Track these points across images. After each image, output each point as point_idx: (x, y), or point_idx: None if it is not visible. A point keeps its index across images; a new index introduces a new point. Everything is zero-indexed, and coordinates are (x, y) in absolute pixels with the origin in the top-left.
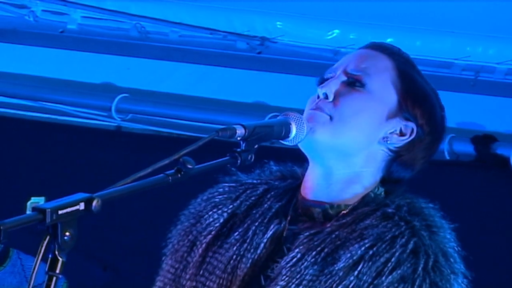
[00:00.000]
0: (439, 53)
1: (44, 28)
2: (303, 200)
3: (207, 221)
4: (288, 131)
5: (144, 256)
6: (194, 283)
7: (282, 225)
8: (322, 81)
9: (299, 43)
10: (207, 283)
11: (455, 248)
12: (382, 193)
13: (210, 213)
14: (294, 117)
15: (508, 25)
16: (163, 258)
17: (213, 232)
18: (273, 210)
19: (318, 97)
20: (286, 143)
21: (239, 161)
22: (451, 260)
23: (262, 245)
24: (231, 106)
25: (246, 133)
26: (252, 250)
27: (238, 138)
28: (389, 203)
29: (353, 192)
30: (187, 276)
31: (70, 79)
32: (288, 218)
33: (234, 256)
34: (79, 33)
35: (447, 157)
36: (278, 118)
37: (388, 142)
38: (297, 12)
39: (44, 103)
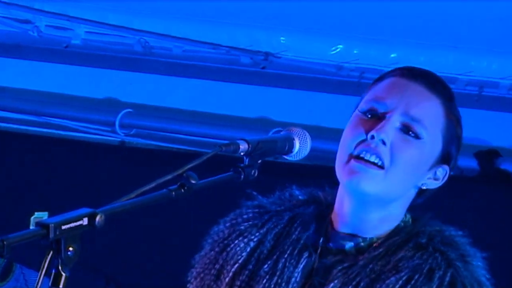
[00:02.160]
0: (442, 68)
1: (48, 43)
2: (334, 232)
3: (234, 250)
4: (292, 146)
5: (146, 270)
6: None
7: (312, 258)
8: (371, 114)
9: (303, 58)
10: None
11: (486, 276)
12: (410, 219)
13: (236, 241)
14: (298, 132)
15: (511, 40)
16: (188, 285)
17: (240, 261)
18: (302, 241)
19: (373, 137)
20: (290, 158)
21: (242, 176)
22: None
23: (293, 279)
24: (234, 121)
25: (250, 148)
26: (283, 284)
27: (242, 153)
28: (420, 232)
29: (386, 228)
30: None
31: (74, 94)
32: (319, 251)
33: None
34: (83, 48)
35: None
36: (281, 133)
37: (424, 186)
38: (301, 27)
39: (48, 118)
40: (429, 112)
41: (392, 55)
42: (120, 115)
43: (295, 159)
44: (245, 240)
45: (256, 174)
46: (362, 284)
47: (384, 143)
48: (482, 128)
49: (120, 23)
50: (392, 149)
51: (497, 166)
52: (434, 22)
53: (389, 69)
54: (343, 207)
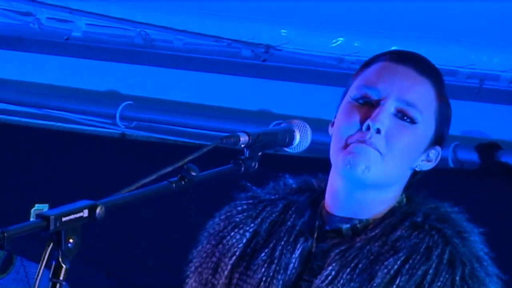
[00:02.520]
0: (443, 61)
1: (49, 35)
2: (329, 216)
3: (230, 242)
4: (292, 138)
5: (147, 263)
6: None
7: (309, 242)
8: (364, 101)
9: (303, 50)
10: None
11: (484, 250)
12: (404, 199)
13: (232, 233)
14: (298, 125)
15: None
16: (186, 280)
17: (237, 253)
18: (297, 227)
19: (368, 127)
20: (290, 150)
21: (242, 168)
22: (485, 264)
23: (291, 265)
24: (235, 114)
25: (250, 141)
26: (281, 271)
27: (242, 146)
28: (416, 211)
29: (382, 209)
30: None
31: (74, 86)
32: (315, 235)
33: (264, 278)
34: (84, 41)
35: (452, 165)
36: (282, 125)
37: (418, 168)
38: (301, 20)
39: (48, 110)
40: (422, 95)
41: (393, 48)
42: (120, 107)
43: (296, 151)
44: (241, 231)
45: (256, 167)
46: (360, 265)
47: (379, 131)
48: (482, 121)
49: (121, 15)
50: (388, 136)
51: (498, 159)
52: (435, 15)
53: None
54: (339, 191)
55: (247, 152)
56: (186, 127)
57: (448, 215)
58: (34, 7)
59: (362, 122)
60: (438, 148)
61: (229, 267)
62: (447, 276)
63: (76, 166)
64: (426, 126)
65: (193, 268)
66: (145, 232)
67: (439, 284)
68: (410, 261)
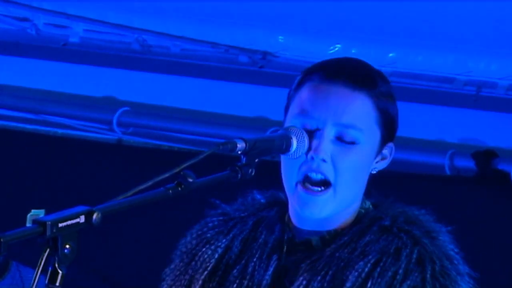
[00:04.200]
0: (441, 68)
1: (46, 41)
2: (297, 230)
3: (202, 258)
4: (289, 145)
5: (142, 268)
6: None
7: (282, 259)
8: (304, 129)
9: (301, 57)
10: None
11: (455, 250)
12: (370, 206)
13: (204, 249)
14: (295, 131)
15: (510, 41)
16: None
17: (209, 268)
18: (269, 245)
19: (312, 158)
20: (287, 157)
21: (239, 175)
22: (455, 262)
23: (264, 282)
24: (232, 120)
25: (247, 147)
26: (254, 287)
27: (239, 152)
28: (383, 216)
29: (347, 217)
30: None
31: (71, 92)
32: (285, 249)
33: None
34: (81, 46)
35: (448, 172)
36: (279, 132)
37: (375, 170)
38: (299, 26)
39: (45, 116)
40: (358, 113)
41: (390, 55)
42: (117, 113)
43: (293, 158)
44: (212, 247)
45: (253, 173)
46: (330, 272)
47: (324, 160)
48: (479, 128)
49: (118, 21)
50: (334, 163)
51: (495, 166)
52: (433, 22)
53: (384, 69)
54: (301, 215)
55: (244, 159)
56: (183, 133)
57: (416, 217)
58: (32, 12)
59: (306, 153)
60: (390, 144)
61: (200, 282)
62: (416, 274)
63: (72, 171)
64: (370, 138)
65: (165, 287)
66: (140, 237)
67: (409, 283)
68: (381, 263)
